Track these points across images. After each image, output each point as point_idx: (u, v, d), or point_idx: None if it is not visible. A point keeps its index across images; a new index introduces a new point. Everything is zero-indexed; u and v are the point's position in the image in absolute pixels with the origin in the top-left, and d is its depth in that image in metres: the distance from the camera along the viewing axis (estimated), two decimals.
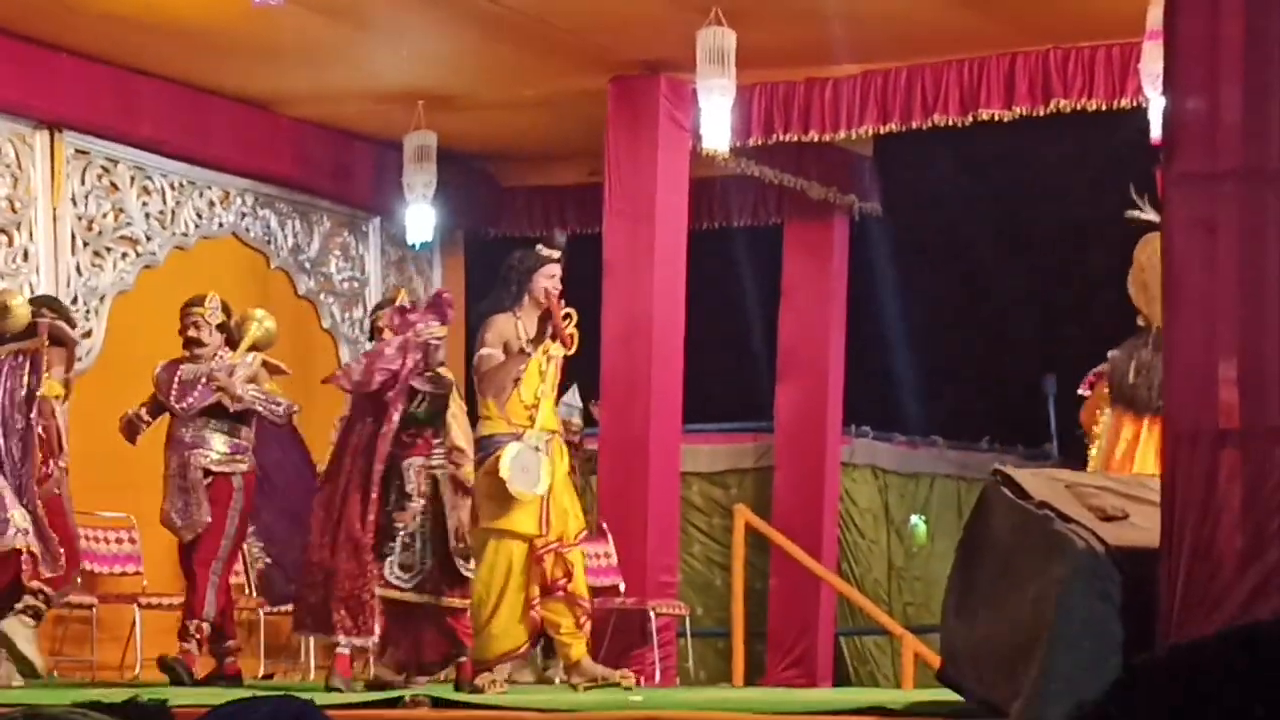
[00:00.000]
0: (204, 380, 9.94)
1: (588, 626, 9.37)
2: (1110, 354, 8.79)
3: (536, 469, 8.85)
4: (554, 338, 8.89)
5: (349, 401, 9.32)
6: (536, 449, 8.84)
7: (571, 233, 14.17)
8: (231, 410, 9.94)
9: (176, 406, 9.95)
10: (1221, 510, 5.36)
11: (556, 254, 9.12)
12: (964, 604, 6.11)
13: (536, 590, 8.99)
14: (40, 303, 10.00)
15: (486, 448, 8.94)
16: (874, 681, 14.04)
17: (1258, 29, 5.85)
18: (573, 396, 12.24)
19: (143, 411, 9.98)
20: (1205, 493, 5.38)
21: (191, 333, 10.13)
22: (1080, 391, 9.22)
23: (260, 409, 9.98)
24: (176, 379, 10.01)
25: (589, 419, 12.18)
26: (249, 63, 11.90)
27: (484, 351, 8.98)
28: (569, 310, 9.00)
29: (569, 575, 9.06)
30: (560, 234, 9.39)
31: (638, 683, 9.59)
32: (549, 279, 9.06)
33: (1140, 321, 8.53)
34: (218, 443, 9.98)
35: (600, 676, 9.13)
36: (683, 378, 12.00)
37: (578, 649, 9.24)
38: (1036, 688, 5.51)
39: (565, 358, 9.19)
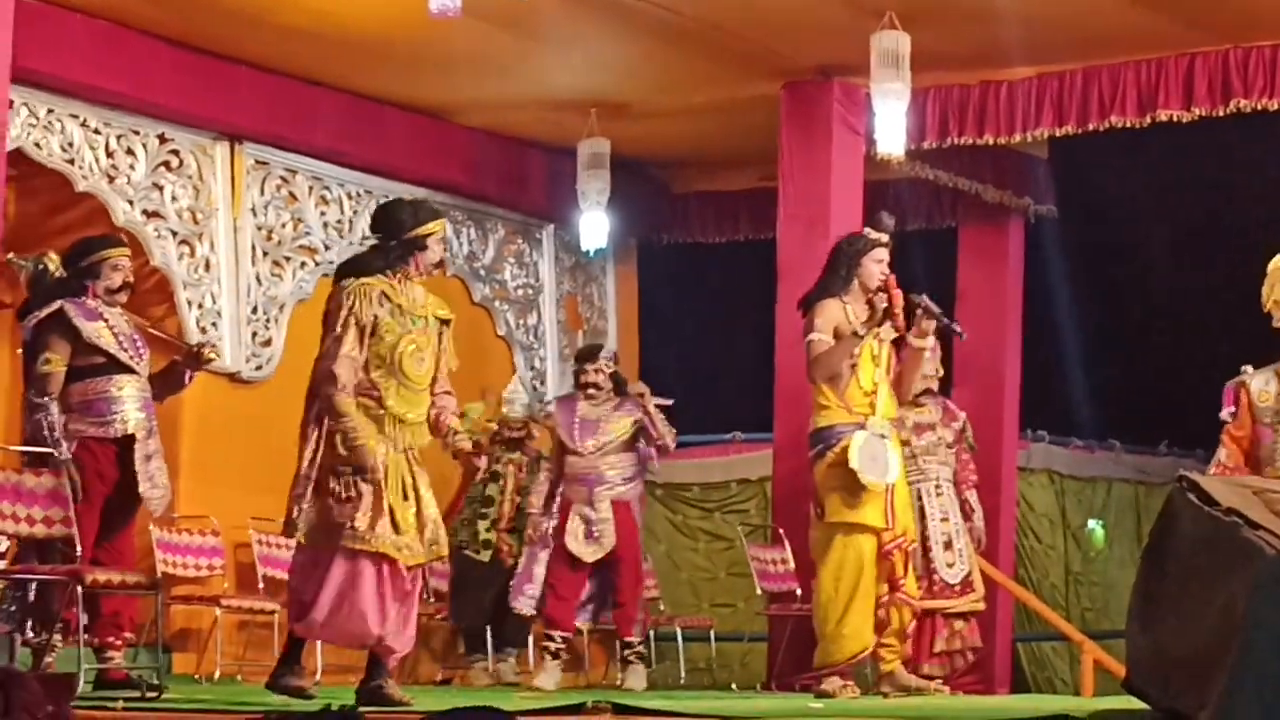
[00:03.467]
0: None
1: (910, 634, 9.37)
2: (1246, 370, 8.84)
3: (885, 457, 8.75)
4: (886, 320, 8.79)
5: None
6: (883, 436, 8.75)
7: (744, 237, 14.26)
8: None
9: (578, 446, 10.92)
10: None
11: (885, 237, 9.04)
12: (1150, 611, 6.03)
13: (885, 588, 8.91)
14: None
15: (828, 438, 8.85)
16: (1051, 688, 13.91)
17: None
18: (515, 389, 12.16)
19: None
20: None
21: (590, 378, 11.04)
22: (1224, 415, 9.27)
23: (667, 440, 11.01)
24: (577, 420, 10.96)
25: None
26: (424, 73, 12.02)
27: (814, 336, 8.90)
28: (904, 293, 8.93)
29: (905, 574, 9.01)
30: (888, 216, 9.29)
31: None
32: (878, 262, 8.98)
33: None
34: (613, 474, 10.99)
35: (914, 687, 9.02)
36: None
37: (894, 657, 9.17)
38: (1225, 698, 5.43)
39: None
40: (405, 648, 7.72)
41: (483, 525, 12.03)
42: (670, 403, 11.19)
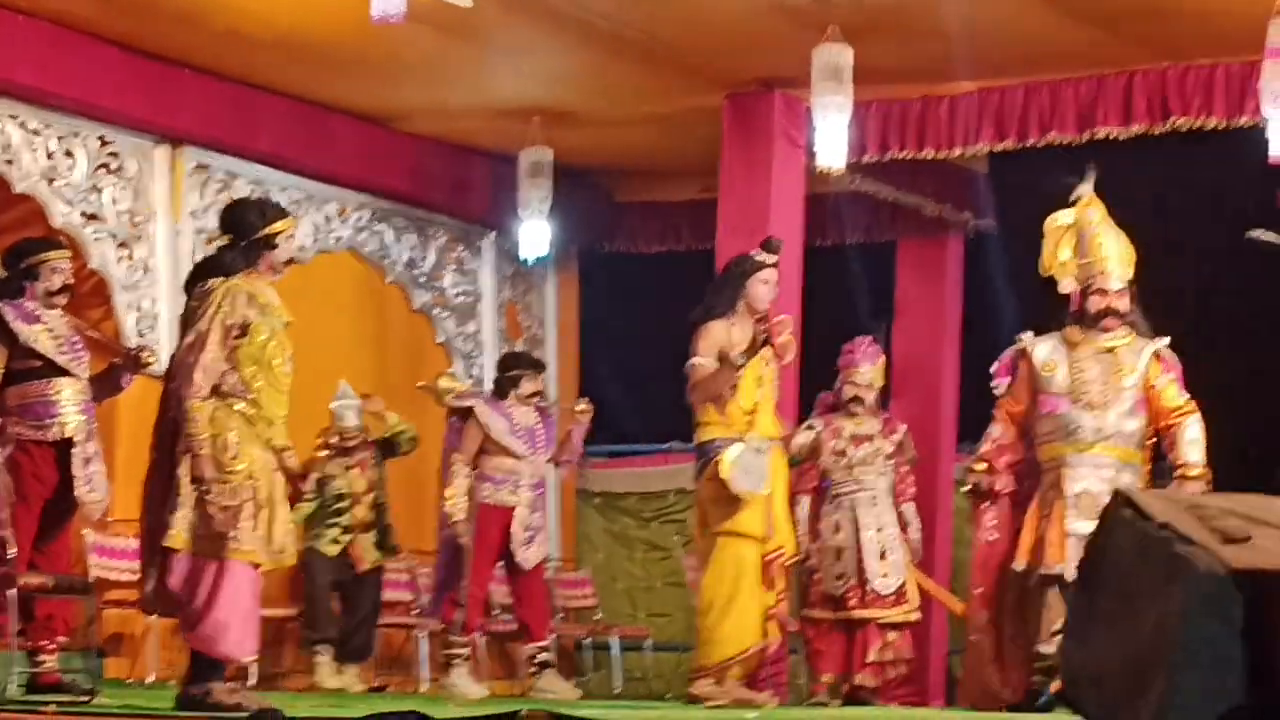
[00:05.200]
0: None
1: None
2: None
3: (759, 470, 8.80)
4: (767, 345, 8.82)
5: None
6: (758, 450, 8.80)
7: (685, 248, 14.28)
8: None
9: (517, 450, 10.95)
10: None
11: (773, 259, 9.06)
12: (1085, 625, 6.07)
13: (774, 597, 8.94)
14: None
15: (707, 453, 8.89)
16: None
17: None
18: (345, 393, 12.07)
19: None
20: None
21: (537, 386, 11.15)
22: (996, 387, 9.31)
23: None
24: (514, 426, 10.95)
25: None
26: (367, 78, 12.01)
27: (696, 361, 8.92)
28: (784, 317, 8.95)
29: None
30: (776, 239, 9.31)
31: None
32: (764, 284, 8.99)
33: None
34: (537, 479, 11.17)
35: (737, 699, 9.02)
36: (797, 393, 11.98)
37: (741, 670, 9.18)
38: (1158, 712, 5.47)
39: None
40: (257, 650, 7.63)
41: (334, 531, 11.87)
42: (592, 408, 11.26)
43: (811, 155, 11.38)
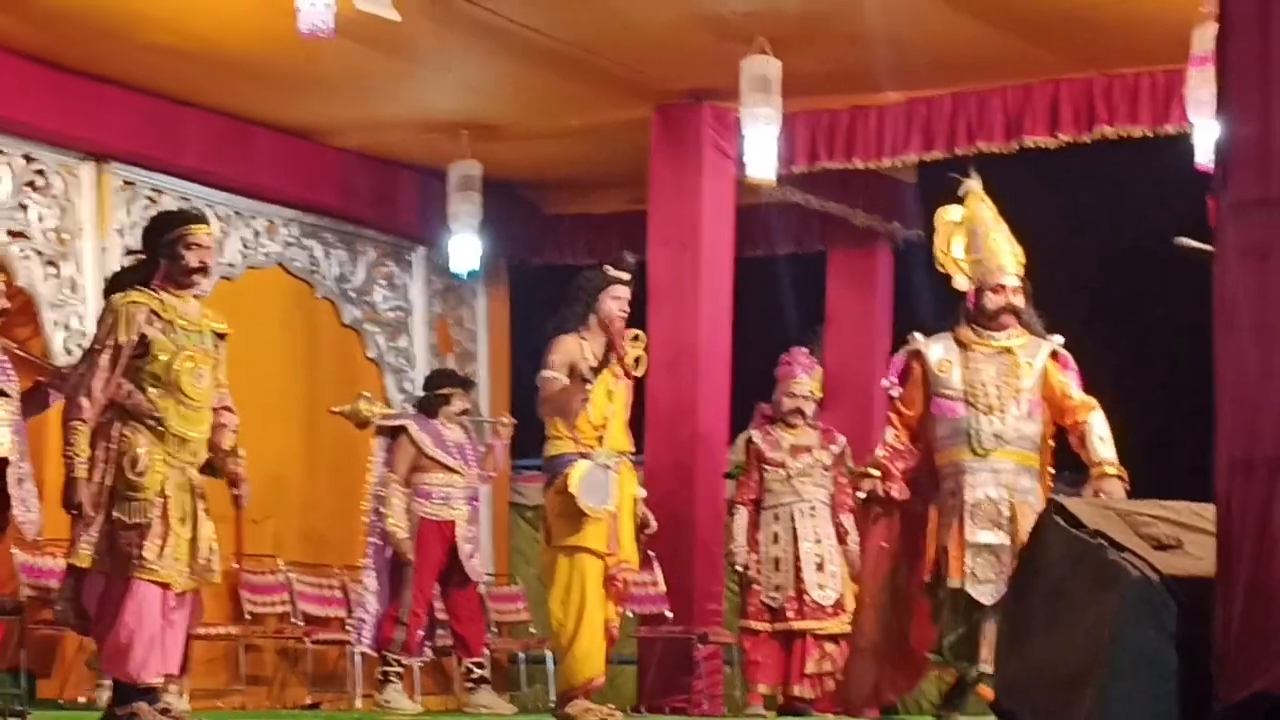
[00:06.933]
0: None
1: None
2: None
3: (605, 486, 8.79)
4: (617, 361, 8.81)
5: None
6: (606, 467, 8.79)
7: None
8: None
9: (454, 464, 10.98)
10: (1277, 541, 5.33)
11: (624, 275, 9.05)
12: (1019, 634, 6.09)
13: (613, 611, 8.92)
14: None
15: (555, 467, 8.88)
16: (920, 710, 13.97)
17: None
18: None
19: None
20: (1260, 523, 5.35)
21: (466, 404, 11.15)
22: (889, 388, 9.12)
23: None
24: (448, 441, 10.97)
25: None
26: (294, 93, 11.96)
27: (546, 374, 8.90)
28: (636, 332, 8.93)
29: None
30: (629, 255, 9.29)
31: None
32: (615, 300, 8.97)
33: None
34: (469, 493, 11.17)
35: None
36: (729, 404, 12.00)
37: None
38: (1092, 718, 5.49)
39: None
40: (173, 669, 7.50)
41: None
42: (515, 422, 11.27)
43: (741, 166, 11.41)
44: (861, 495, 9.19)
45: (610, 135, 12.48)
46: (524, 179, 13.95)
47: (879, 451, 9.09)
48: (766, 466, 11.00)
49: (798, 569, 10.82)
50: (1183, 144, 10.55)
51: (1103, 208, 12.96)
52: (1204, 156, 10.21)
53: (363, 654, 11.66)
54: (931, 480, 9.01)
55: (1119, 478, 8.76)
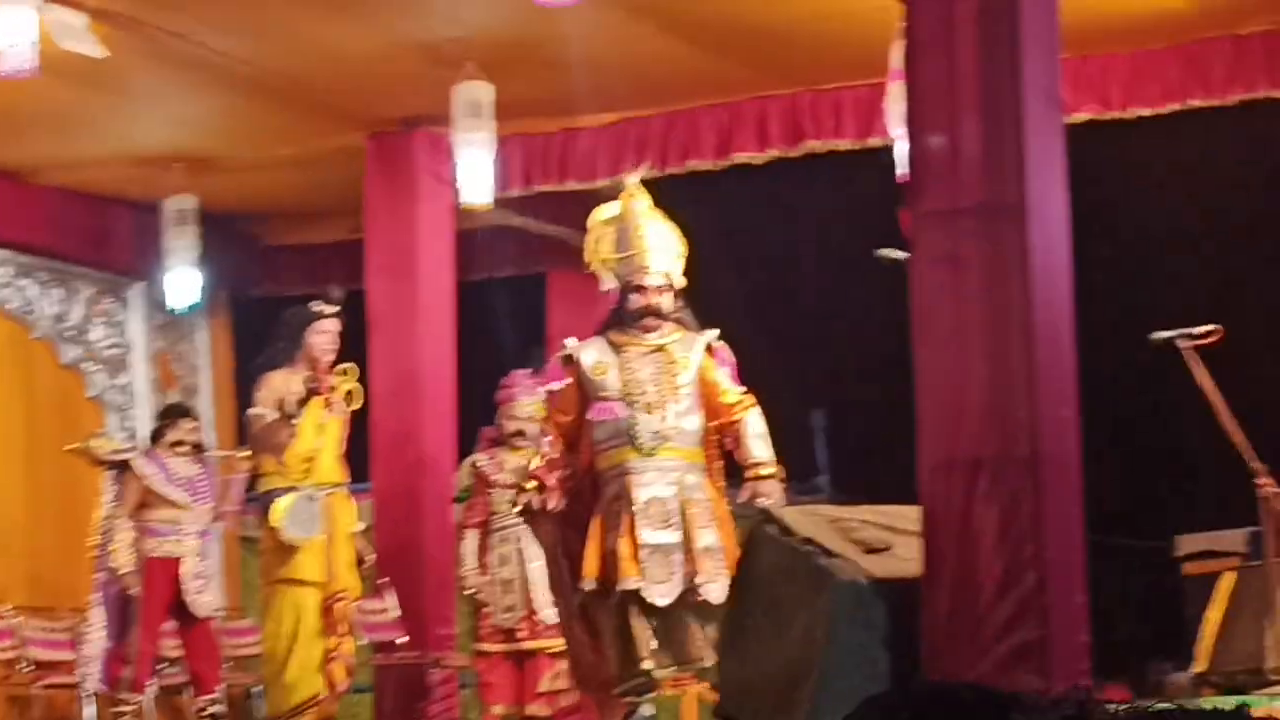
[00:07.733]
0: None
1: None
2: None
3: (311, 516, 8.78)
4: (318, 394, 8.80)
5: None
6: (311, 498, 8.78)
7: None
8: None
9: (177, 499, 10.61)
10: (979, 539, 5.52)
11: (330, 310, 9.04)
12: (738, 641, 6.22)
13: (335, 640, 8.89)
14: None
15: (265, 502, 8.86)
16: None
17: (992, 68, 6.04)
18: None
19: None
20: (962, 522, 5.53)
21: (187, 435, 10.62)
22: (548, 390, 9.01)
23: None
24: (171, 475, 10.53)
25: None
26: None
27: (253, 411, 8.90)
28: (347, 365, 8.92)
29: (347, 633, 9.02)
30: (336, 290, 9.28)
31: None
32: (320, 335, 8.95)
33: None
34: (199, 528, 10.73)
35: None
36: (456, 430, 12.01)
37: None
38: (808, 715, 5.63)
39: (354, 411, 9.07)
40: None
41: None
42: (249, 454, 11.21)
43: (457, 192, 11.43)
44: (517, 509, 9.12)
45: (325, 165, 12.44)
46: (242, 211, 13.84)
47: (533, 463, 8.97)
48: (492, 490, 11.05)
49: (527, 589, 10.87)
50: (886, 156, 10.76)
51: (812, 220, 13.19)
52: (904, 168, 10.45)
53: (95, 694, 11.51)
54: (594, 487, 8.76)
55: (774, 477, 8.51)
